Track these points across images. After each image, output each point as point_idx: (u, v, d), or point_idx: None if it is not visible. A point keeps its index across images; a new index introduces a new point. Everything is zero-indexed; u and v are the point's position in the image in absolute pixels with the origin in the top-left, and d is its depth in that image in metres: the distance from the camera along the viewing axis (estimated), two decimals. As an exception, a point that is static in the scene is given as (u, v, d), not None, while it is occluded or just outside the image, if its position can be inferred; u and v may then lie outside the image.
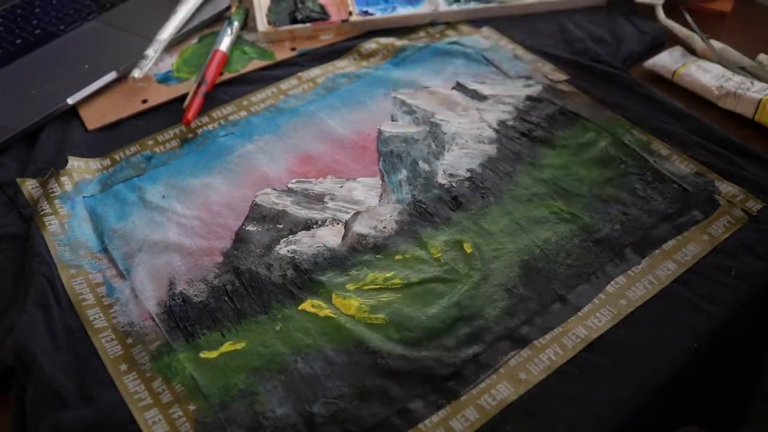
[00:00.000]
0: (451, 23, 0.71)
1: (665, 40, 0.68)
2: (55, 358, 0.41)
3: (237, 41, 0.69)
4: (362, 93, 0.62)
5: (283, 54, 0.68)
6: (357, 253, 0.48)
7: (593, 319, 0.44)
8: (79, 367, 0.42)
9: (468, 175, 0.54)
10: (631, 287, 0.45)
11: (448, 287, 0.46)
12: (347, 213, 0.51)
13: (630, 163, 0.54)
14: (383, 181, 0.54)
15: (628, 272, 0.46)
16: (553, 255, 0.48)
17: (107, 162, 0.56)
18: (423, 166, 0.55)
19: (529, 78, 0.63)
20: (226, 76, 0.65)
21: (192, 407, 0.40)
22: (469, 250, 0.48)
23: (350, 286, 0.46)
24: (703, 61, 0.63)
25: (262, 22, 0.70)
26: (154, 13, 0.71)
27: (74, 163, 0.55)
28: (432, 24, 0.71)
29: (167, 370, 0.42)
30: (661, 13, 0.68)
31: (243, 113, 0.61)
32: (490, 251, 0.48)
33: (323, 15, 0.72)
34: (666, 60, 0.64)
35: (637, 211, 0.50)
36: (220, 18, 0.73)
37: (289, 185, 0.54)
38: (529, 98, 0.61)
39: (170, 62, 0.67)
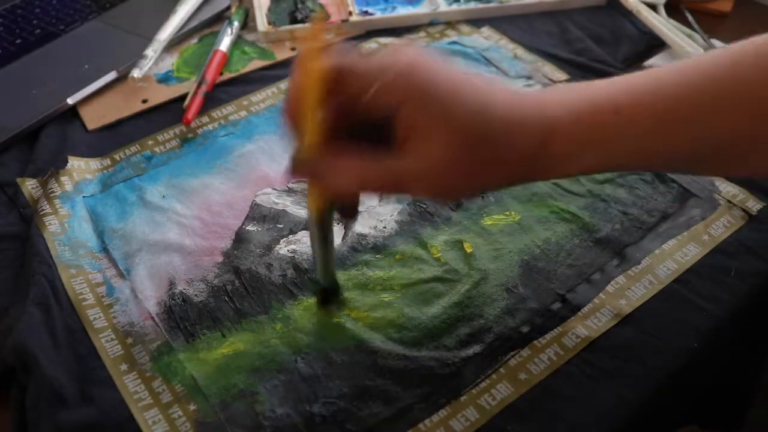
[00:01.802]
0: (450, 23, 0.71)
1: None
2: (55, 358, 0.41)
3: (237, 41, 0.69)
4: (362, 93, 0.62)
5: (283, 54, 0.68)
6: (357, 252, 0.48)
7: (593, 319, 0.44)
8: (79, 367, 0.42)
9: (468, 175, 0.54)
10: (631, 287, 0.45)
11: (448, 287, 0.46)
12: (347, 213, 0.51)
13: (630, 163, 0.54)
14: (383, 181, 0.54)
15: (628, 272, 0.46)
16: (553, 255, 0.48)
17: (107, 162, 0.56)
18: (423, 166, 0.55)
19: (529, 78, 0.63)
20: (226, 76, 0.65)
21: (192, 407, 0.40)
22: (469, 250, 0.48)
23: (350, 286, 0.46)
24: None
25: (262, 22, 0.70)
26: (154, 13, 0.71)
27: (74, 163, 0.55)
28: (432, 24, 0.71)
29: (167, 370, 0.42)
30: (648, 17, 0.68)
31: (243, 113, 0.61)
32: (490, 251, 0.48)
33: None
34: (666, 60, 0.64)
35: (637, 211, 0.50)
36: (220, 18, 0.73)
37: (290, 185, 0.54)
38: (529, 98, 0.61)
39: (170, 62, 0.67)
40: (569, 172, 0.35)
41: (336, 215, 0.40)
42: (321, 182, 0.35)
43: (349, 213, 0.40)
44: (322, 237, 0.39)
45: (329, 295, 0.44)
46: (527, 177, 0.35)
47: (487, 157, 0.32)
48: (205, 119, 0.60)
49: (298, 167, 0.34)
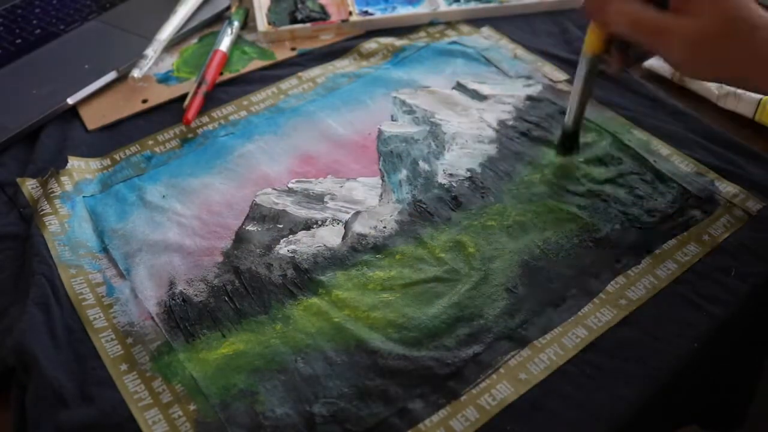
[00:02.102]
0: (450, 23, 0.71)
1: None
2: (55, 358, 0.42)
3: (237, 41, 0.69)
4: (362, 93, 0.62)
5: (283, 54, 0.68)
6: (357, 252, 0.48)
7: (593, 319, 0.44)
8: (79, 367, 0.42)
9: (468, 174, 0.54)
10: (631, 287, 0.45)
11: (448, 287, 0.46)
12: (347, 213, 0.51)
13: (630, 163, 0.54)
14: (383, 181, 0.54)
15: (628, 272, 0.46)
16: (553, 255, 0.48)
17: (107, 162, 0.56)
18: (423, 165, 0.55)
19: (529, 78, 0.63)
20: (226, 76, 0.65)
21: (192, 407, 0.40)
22: (469, 250, 0.48)
23: (350, 286, 0.46)
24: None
25: (262, 22, 0.70)
26: (154, 13, 0.71)
27: (74, 162, 0.55)
28: (432, 24, 0.71)
29: (167, 370, 0.42)
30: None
31: (243, 113, 0.61)
32: (490, 251, 0.48)
33: (323, 15, 0.72)
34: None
35: (637, 211, 0.50)
36: (220, 18, 0.73)
37: (289, 185, 0.54)
38: (529, 98, 0.61)
39: (170, 62, 0.67)
40: None
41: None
42: (601, 17, 0.44)
43: (627, 61, 0.49)
44: (587, 79, 0.48)
45: (570, 140, 0.53)
46: (761, 75, 0.41)
47: (738, 45, 0.40)
48: (205, 119, 0.60)
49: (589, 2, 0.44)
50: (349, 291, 0.46)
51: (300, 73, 0.65)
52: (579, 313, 0.44)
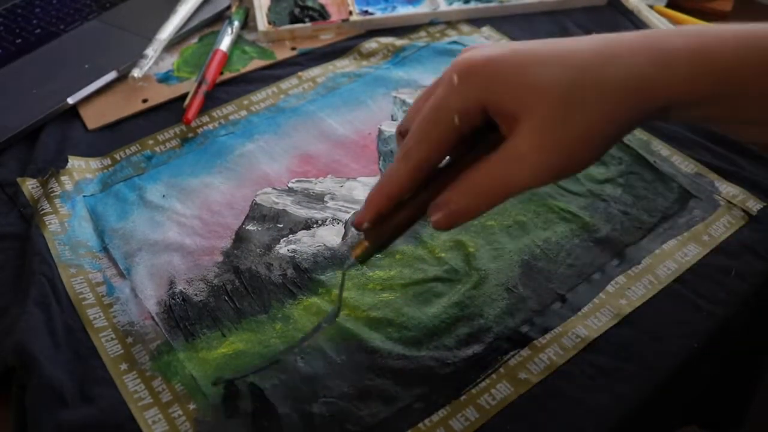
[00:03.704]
0: (451, 23, 0.71)
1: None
2: (55, 357, 0.42)
3: (237, 41, 0.69)
4: (362, 92, 0.62)
5: (283, 53, 0.68)
6: (357, 252, 0.48)
7: (593, 319, 0.44)
8: (79, 367, 0.42)
9: (468, 174, 0.54)
10: (631, 287, 0.45)
11: (448, 287, 0.46)
12: (347, 212, 0.51)
13: (630, 163, 0.54)
14: (383, 180, 0.54)
15: (628, 272, 0.46)
16: (553, 255, 0.48)
17: (107, 161, 0.56)
18: (423, 165, 0.55)
19: (529, 78, 0.63)
20: (227, 75, 0.65)
21: (192, 406, 0.40)
22: (469, 250, 0.48)
23: (350, 286, 0.46)
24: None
25: (262, 22, 0.70)
26: (154, 13, 0.71)
27: (74, 162, 0.55)
28: (432, 23, 0.71)
29: (167, 370, 0.42)
30: (648, 16, 0.68)
31: (243, 113, 0.61)
32: (490, 251, 0.48)
33: (323, 14, 0.72)
34: (666, 60, 0.64)
35: (637, 211, 0.50)
36: (220, 17, 0.73)
37: (290, 185, 0.54)
38: (529, 98, 0.61)
39: (170, 62, 0.67)
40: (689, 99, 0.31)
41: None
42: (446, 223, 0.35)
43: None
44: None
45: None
46: (642, 110, 0.31)
47: (590, 107, 0.30)
48: (205, 119, 0.60)
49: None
50: (349, 291, 0.46)
51: (300, 73, 0.65)
52: (579, 313, 0.44)
